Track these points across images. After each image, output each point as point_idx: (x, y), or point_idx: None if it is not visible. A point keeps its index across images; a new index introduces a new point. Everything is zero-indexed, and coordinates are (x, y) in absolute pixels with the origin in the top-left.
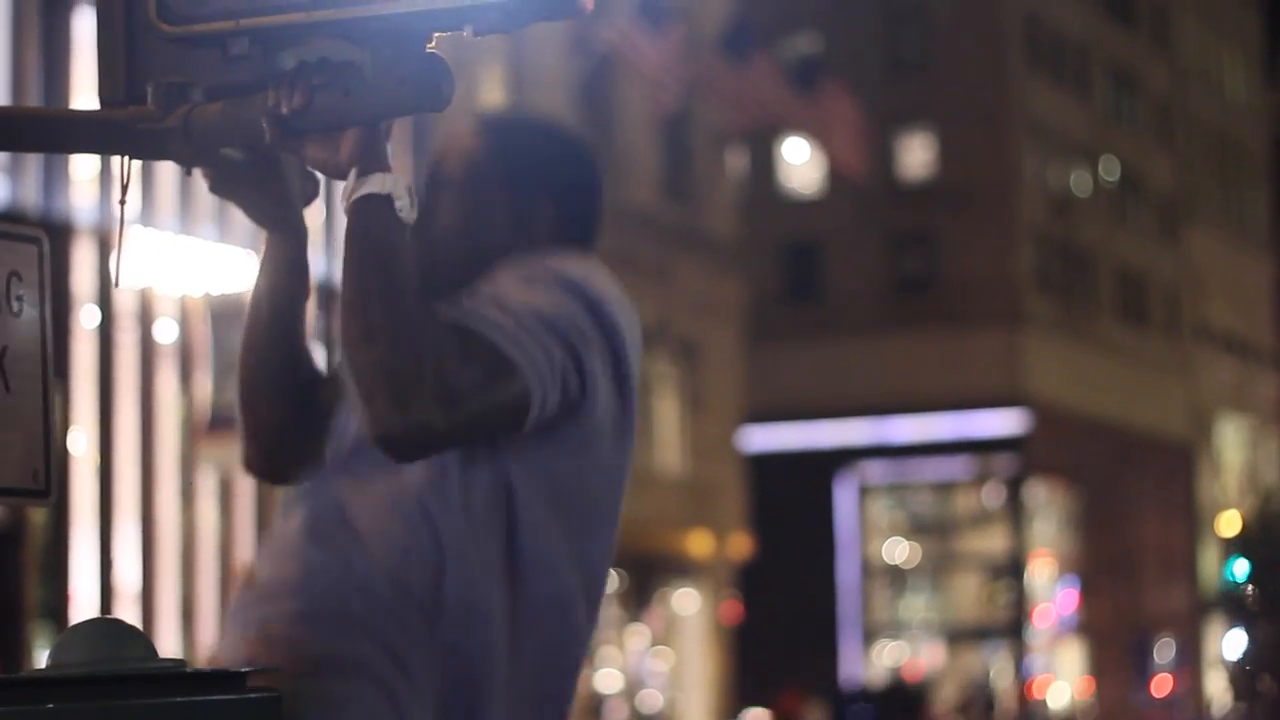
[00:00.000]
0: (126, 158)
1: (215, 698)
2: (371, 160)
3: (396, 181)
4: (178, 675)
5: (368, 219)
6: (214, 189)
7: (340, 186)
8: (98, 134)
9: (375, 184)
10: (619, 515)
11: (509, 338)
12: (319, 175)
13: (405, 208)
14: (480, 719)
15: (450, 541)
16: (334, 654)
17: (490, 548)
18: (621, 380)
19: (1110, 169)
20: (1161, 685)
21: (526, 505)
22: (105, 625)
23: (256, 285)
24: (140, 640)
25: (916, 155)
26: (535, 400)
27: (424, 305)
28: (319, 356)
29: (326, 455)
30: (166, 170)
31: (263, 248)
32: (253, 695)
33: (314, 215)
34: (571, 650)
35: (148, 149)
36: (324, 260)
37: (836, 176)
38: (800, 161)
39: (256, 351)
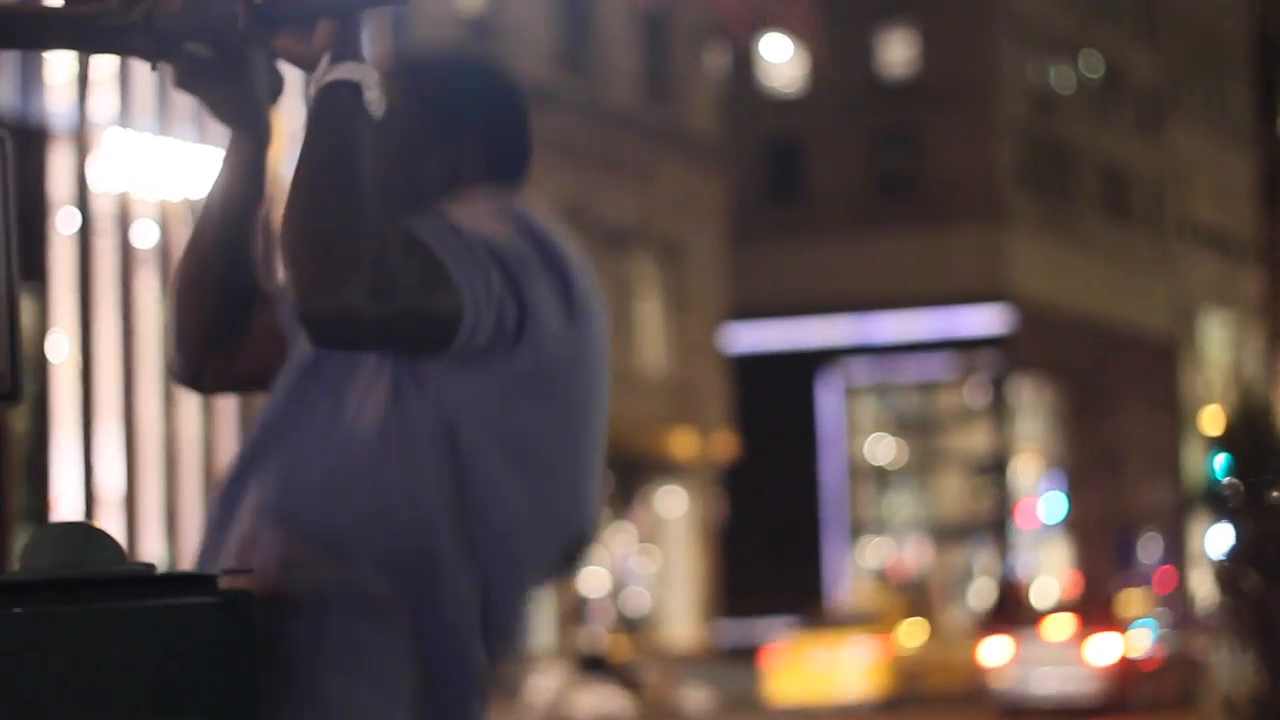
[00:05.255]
0: (89, 54)
1: (185, 600)
2: (345, 49)
3: (368, 71)
4: (146, 578)
5: (334, 103)
6: (179, 84)
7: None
8: (61, 30)
9: (346, 71)
10: (595, 453)
11: (451, 255)
12: (284, 73)
13: (374, 99)
14: (467, 667)
15: (396, 488)
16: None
17: (437, 494)
18: (576, 315)
19: (1092, 64)
20: (1164, 581)
21: (474, 450)
22: (72, 528)
23: (212, 186)
24: (108, 543)
25: (898, 52)
26: (467, 320)
27: (373, 198)
28: (269, 271)
29: (280, 382)
30: (144, 70)
31: (227, 147)
32: (223, 597)
33: (289, 118)
34: (518, 598)
35: (111, 44)
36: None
37: (818, 74)
38: (781, 59)
39: (199, 253)
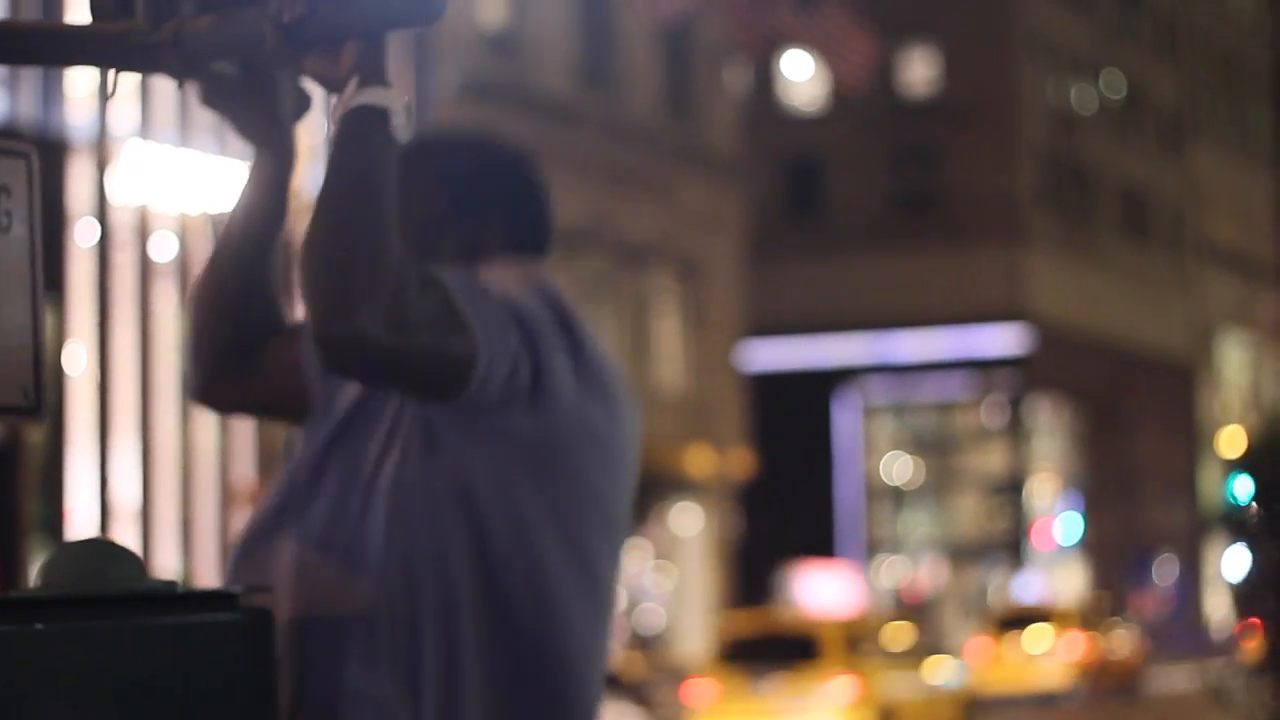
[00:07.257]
0: (112, 70)
1: (206, 618)
2: (372, 73)
3: (395, 98)
4: (168, 595)
5: (360, 129)
6: (204, 102)
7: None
8: (89, 48)
9: (373, 96)
10: (622, 512)
11: (471, 304)
12: (311, 93)
13: (400, 125)
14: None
15: (421, 538)
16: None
17: (456, 544)
18: (592, 391)
19: (1114, 85)
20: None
21: (492, 515)
22: (94, 545)
23: (235, 203)
24: (130, 559)
25: (919, 71)
26: (480, 366)
27: (395, 231)
28: (291, 300)
29: (321, 421)
30: (165, 84)
31: (251, 165)
32: (244, 614)
33: (314, 134)
34: (554, 646)
35: (139, 63)
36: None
37: (839, 92)
38: (802, 77)
39: (218, 270)
